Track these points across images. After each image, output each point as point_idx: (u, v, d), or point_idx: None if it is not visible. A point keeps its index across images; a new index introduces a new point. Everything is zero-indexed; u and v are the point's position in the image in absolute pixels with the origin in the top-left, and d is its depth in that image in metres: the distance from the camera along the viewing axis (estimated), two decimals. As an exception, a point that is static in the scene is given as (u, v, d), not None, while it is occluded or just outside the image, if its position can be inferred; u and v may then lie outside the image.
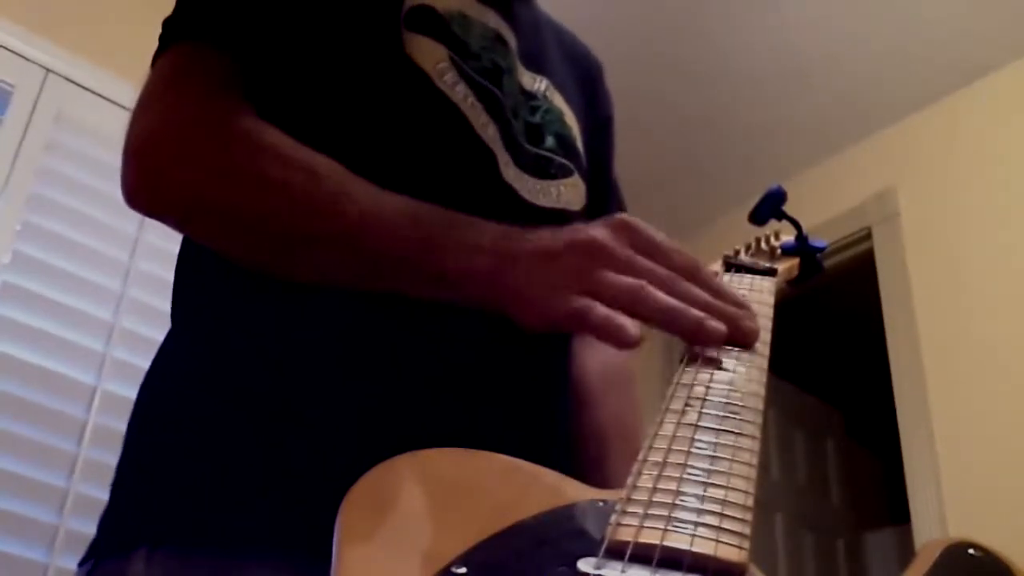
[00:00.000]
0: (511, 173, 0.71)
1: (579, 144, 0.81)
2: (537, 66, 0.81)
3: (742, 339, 0.57)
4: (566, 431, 0.76)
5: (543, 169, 0.75)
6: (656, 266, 0.56)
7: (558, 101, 0.82)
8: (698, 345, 0.57)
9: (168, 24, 0.67)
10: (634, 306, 0.54)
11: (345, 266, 0.60)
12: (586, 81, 0.90)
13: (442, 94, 0.69)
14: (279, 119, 0.63)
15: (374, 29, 0.69)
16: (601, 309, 0.53)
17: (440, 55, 0.70)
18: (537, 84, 0.80)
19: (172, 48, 0.66)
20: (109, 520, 0.64)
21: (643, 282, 0.54)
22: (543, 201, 0.74)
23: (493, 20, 0.77)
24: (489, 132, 0.70)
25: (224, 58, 0.65)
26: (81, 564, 0.64)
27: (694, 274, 0.57)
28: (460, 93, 0.70)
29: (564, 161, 0.78)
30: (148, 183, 0.63)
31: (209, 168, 0.61)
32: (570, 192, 0.77)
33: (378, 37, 0.69)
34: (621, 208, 0.92)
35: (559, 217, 0.75)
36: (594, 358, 0.83)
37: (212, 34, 0.65)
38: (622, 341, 0.53)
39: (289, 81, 0.67)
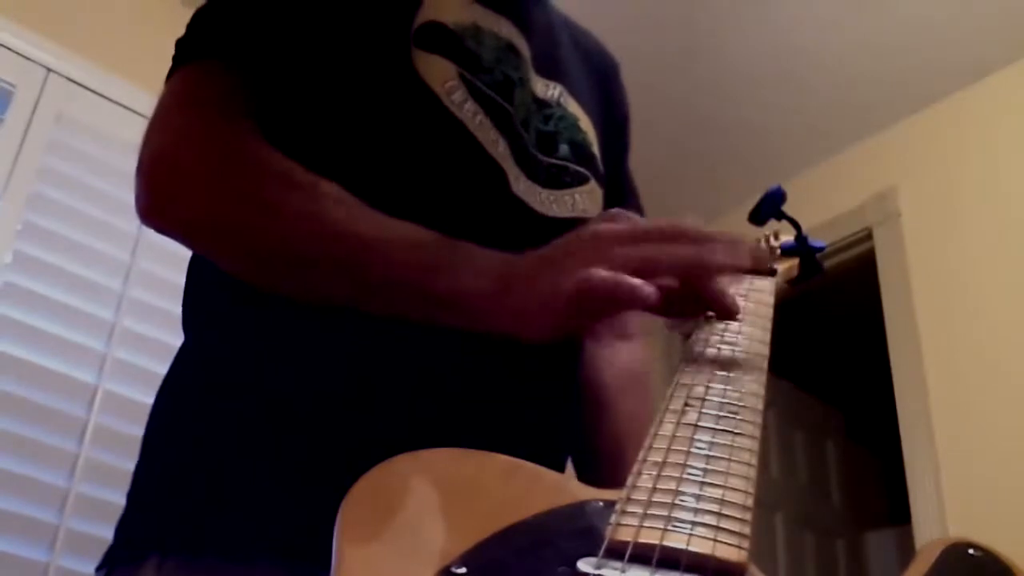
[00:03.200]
0: (521, 187, 0.71)
1: (595, 149, 0.81)
2: (551, 72, 0.81)
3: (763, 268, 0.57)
4: (567, 454, 0.76)
5: (557, 179, 0.75)
6: (660, 227, 0.56)
7: (573, 107, 0.81)
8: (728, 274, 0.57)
9: (180, 44, 0.68)
10: (647, 266, 0.53)
11: (347, 289, 0.61)
12: (602, 81, 0.90)
13: (450, 114, 0.69)
14: (289, 139, 0.64)
15: (384, 48, 0.69)
16: (603, 272, 0.52)
17: (449, 73, 0.70)
18: (551, 91, 0.80)
19: (183, 68, 0.66)
20: (123, 528, 0.64)
21: (652, 246, 0.54)
22: (557, 211, 0.74)
23: (506, 29, 0.77)
24: (499, 148, 0.71)
25: (234, 78, 0.65)
26: (98, 570, 0.64)
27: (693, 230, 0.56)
28: (469, 111, 0.70)
29: (579, 168, 0.78)
30: (157, 203, 0.64)
31: (215, 191, 0.62)
32: (586, 199, 0.77)
33: (388, 56, 0.69)
34: (637, 209, 0.92)
35: (575, 226, 0.74)
36: (611, 360, 0.83)
37: (222, 54, 0.66)
38: (636, 298, 0.52)
39: (300, 101, 0.67)
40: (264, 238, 0.61)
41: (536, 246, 0.60)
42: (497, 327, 0.57)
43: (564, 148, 0.78)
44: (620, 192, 0.88)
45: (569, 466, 0.77)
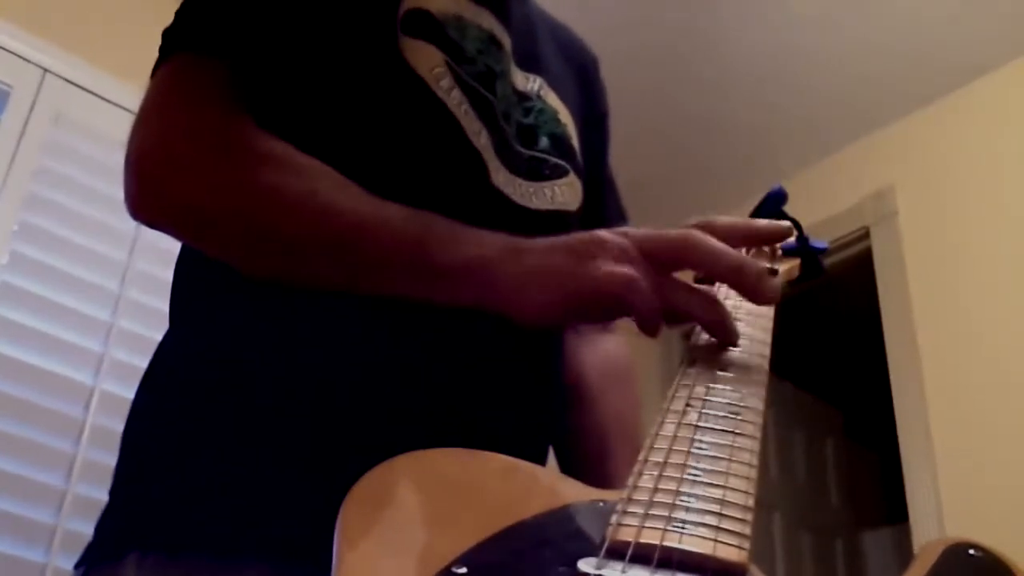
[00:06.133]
0: (501, 178, 0.71)
1: (574, 142, 0.81)
2: (531, 65, 0.81)
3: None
4: (555, 429, 0.76)
5: (536, 171, 0.76)
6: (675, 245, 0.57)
7: (552, 100, 0.81)
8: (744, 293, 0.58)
9: (166, 35, 0.68)
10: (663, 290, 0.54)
11: (343, 271, 0.60)
12: (582, 76, 0.90)
13: (438, 100, 0.69)
14: (276, 125, 0.63)
15: (371, 34, 0.69)
16: (632, 272, 0.53)
17: (436, 60, 0.70)
18: (531, 84, 0.80)
19: (170, 59, 0.66)
20: (103, 524, 0.63)
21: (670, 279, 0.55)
22: (536, 203, 0.74)
23: (487, 21, 0.77)
24: (481, 139, 0.70)
25: (221, 67, 0.65)
26: (76, 567, 0.63)
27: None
28: (455, 99, 0.70)
29: (558, 161, 0.78)
30: (147, 195, 0.63)
31: (205, 179, 0.61)
32: (565, 192, 0.77)
33: (375, 42, 0.69)
34: (617, 203, 0.92)
35: (554, 218, 0.75)
36: (594, 354, 0.83)
37: (208, 44, 0.65)
38: (653, 327, 0.53)
39: (286, 87, 0.67)
40: (259, 223, 0.60)
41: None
42: (493, 301, 0.57)
43: (544, 141, 0.78)
44: (600, 186, 0.88)
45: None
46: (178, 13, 0.68)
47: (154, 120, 0.64)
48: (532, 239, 0.58)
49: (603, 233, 0.57)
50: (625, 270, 0.54)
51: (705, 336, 0.60)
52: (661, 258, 0.56)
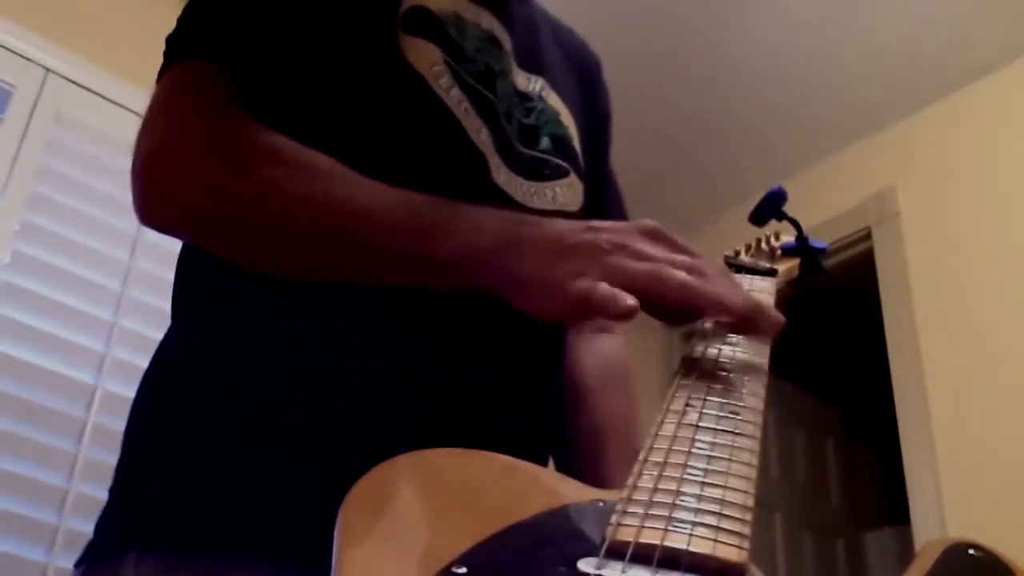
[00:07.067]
0: (503, 177, 0.71)
1: (575, 143, 0.81)
2: (532, 66, 0.81)
3: (762, 330, 0.57)
4: (556, 432, 0.76)
5: (537, 171, 0.76)
6: (675, 255, 0.56)
7: (553, 101, 0.82)
8: (714, 318, 0.57)
9: (169, 41, 0.68)
10: (653, 286, 0.53)
11: (351, 262, 0.60)
12: (584, 77, 0.90)
13: (437, 98, 0.69)
14: (278, 126, 0.63)
15: (371, 32, 0.69)
16: (604, 286, 0.52)
17: (435, 58, 0.70)
18: (532, 85, 0.80)
19: (173, 67, 0.66)
20: (103, 522, 0.64)
21: (661, 264, 0.54)
22: (538, 203, 0.74)
23: (487, 21, 0.77)
24: (482, 137, 0.71)
25: (222, 71, 0.65)
26: (76, 566, 0.64)
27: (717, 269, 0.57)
28: (455, 97, 0.70)
29: (559, 162, 0.78)
30: (154, 200, 0.63)
31: (206, 180, 0.61)
32: (567, 193, 0.77)
33: (375, 40, 0.69)
34: (619, 205, 0.92)
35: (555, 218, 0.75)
36: (591, 355, 0.83)
37: (209, 49, 0.66)
38: (619, 311, 0.51)
39: (287, 87, 0.67)
40: (260, 219, 0.60)
41: None
42: (495, 289, 0.57)
43: (545, 141, 0.78)
44: (601, 187, 0.89)
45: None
46: (180, 19, 0.68)
47: (157, 127, 0.64)
48: (540, 224, 0.58)
49: (585, 237, 0.56)
50: (584, 286, 0.53)
51: (705, 335, 0.60)
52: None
